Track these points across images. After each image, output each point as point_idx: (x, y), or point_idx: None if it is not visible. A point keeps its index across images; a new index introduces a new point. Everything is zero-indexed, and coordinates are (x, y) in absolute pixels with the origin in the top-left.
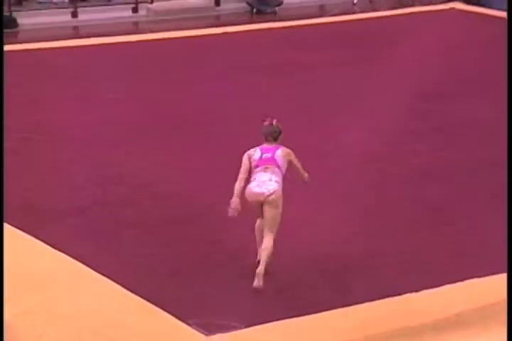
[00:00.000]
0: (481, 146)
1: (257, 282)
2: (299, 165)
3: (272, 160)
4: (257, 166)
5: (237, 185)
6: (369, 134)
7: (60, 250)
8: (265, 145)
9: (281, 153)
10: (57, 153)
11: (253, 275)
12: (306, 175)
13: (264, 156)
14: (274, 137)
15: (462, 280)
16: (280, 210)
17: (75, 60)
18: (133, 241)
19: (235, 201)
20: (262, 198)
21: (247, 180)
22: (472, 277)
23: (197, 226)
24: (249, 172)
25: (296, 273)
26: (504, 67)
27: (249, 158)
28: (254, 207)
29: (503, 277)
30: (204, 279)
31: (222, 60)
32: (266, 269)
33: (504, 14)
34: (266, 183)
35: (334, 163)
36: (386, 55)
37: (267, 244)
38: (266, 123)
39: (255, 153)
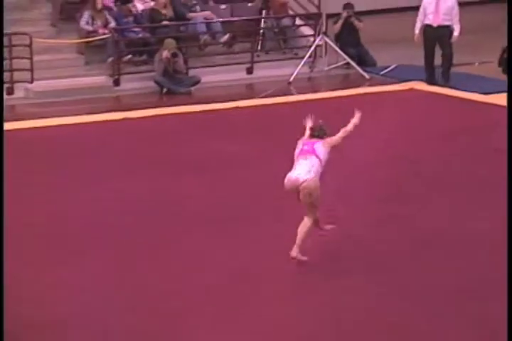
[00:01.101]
0: (452, 264)
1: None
2: (339, 135)
3: (312, 151)
4: (297, 156)
5: None
6: (308, 244)
7: None
8: (307, 139)
9: (320, 144)
10: None
11: None
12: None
13: (304, 148)
14: (317, 136)
15: None
16: (312, 199)
17: None
18: None
19: None
20: (294, 186)
21: None
22: None
23: None
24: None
25: None
26: (476, 161)
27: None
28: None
29: None
30: None
31: (123, 153)
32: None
33: (473, 96)
34: (297, 173)
35: (268, 287)
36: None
37: (302, 224)
38: (314, 124)
39: (298, 145)
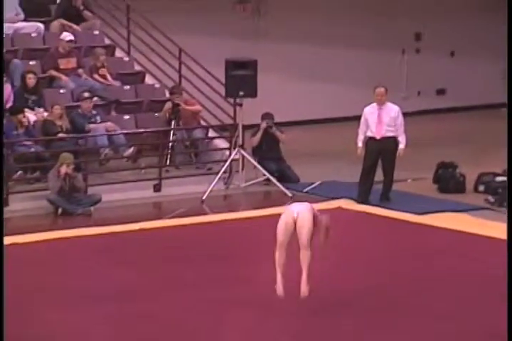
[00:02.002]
0: None
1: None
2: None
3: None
4: None
5: None
6: None
7: None
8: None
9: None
10: None
11: None
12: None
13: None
14: None
15: None
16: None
17: None
18: None
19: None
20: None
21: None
22: None
23: None
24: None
25: None
26: (414, 290)
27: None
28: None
29: None
30: None
31: (8, 284)
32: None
33: (407, 216)
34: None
35: None
36: (251, 270)
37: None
38: None
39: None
